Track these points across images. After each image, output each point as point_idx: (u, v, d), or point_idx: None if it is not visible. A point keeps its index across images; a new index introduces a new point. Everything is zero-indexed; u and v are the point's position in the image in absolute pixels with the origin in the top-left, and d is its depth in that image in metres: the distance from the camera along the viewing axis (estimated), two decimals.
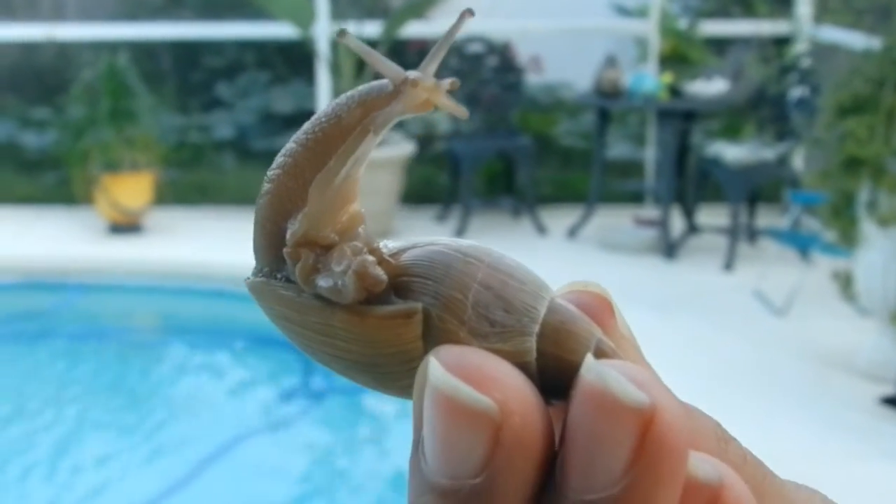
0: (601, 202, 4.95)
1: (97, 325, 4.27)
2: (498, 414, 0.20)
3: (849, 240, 3.30)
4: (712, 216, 4.87)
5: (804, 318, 3.76)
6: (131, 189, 4.78)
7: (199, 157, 5.45)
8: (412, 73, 0.26)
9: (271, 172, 0.27)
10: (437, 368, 0.21)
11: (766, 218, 4.87)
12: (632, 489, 0.20)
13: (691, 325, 3.70)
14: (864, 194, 3.21)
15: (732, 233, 4.48)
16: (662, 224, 4.63)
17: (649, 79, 4.82)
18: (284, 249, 0.25)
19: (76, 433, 3.26)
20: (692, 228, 4.77)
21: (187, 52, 5.74)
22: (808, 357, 3.39)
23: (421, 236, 0.26)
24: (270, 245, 0.26)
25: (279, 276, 0.25)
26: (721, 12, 5.60)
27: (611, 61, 4.86)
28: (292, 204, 0.25)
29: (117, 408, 3.51)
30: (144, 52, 5.51)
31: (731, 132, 5.13)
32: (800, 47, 5.10)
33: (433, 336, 0.23)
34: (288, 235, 0.25)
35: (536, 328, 0.23)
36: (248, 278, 0.26)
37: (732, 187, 4.54)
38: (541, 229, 4.95)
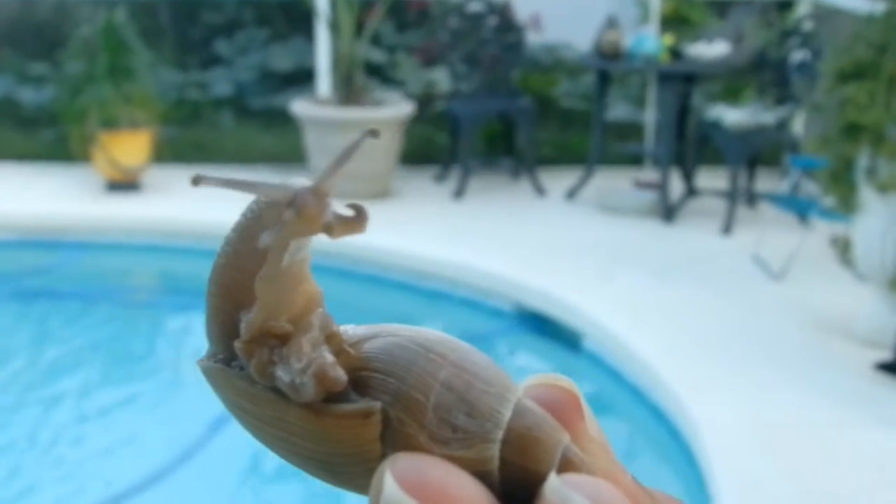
0: (600, 164, 4.94)
1: (94, 284, 4.26)
2: None
3: (847, 205, 3.29)
4: (711, 179, 4.86)
5: (801, 283, 3.75)
6: (129, 147, 4.75)
7: (197, 115, 5.41)
8: (299, 195, 0.23)
9: (217, 261, 0.25)
10: (393, 486, 0.20)
11: (766, 182, 4.86)
12: None
13: (689, 289, 3.69)
14: (863, 160, 3.20)
15: (731, 196, 4.46)
16: (661, 187, 4.62)
17: (650, 40, 4.78)
18: (236, 344, 0.23)
19: (74, 392, 3.25)
20: (691, 191, 4.75)
21: (186, 8, 5.69)
22: (805, 322, 3.39)
23: (386, 325, 0.24)
24: (224, 335, 0.24)
25: (234, 363, 0.24)
26: None
27: (611, 22, 4.82)
28: (242, 295, 0.24)
29: (116, 367, 3.51)
30: (143, 7, 5.46)
31: (732, 95, 5.10)
32: (802, 10, 5.06)
33: (392, 439, 0.22)
34: (242, 329, 0.23)
35: (500, 434, 0.22)
36: (202, 360, 0.25)
37: (732, 151, 4.52)
38: (539, 191, 4.93)
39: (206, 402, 2.61)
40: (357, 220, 0.24)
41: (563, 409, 0.23)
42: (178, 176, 5.03)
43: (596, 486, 0.20)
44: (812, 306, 3.52)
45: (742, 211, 4.56)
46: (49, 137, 5.20)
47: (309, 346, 0.23)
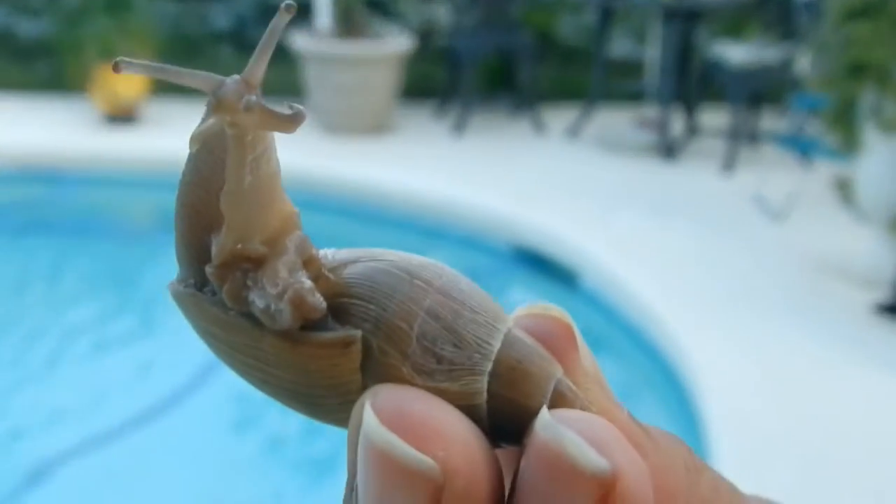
0: (601, 101, 4.91)
1: (91, 218, 4.25)
2: (439, 475, 0.18)
3: (850, 145, 3.28)
4: (713, 118, 4.83)
5: (802, 224, 3.74)
6: (127, 79, 4.71)
7: (195, 48, 5.36)
8: (226, 85, 0.22)
9: (181, 179, 0.24)
10: (372, 419, 0.19)
11: (768, 121, 4.83)
12: None
13: (688, 228, 3.69)
14: (868, 100, 3.18)
15: (733, 136, 4.44)
16: (662, 125, 4.59)
17: None
18: (208, 268, 0.22)
19: (70, 326, 3.26)
20: (692, 130, 4.73)
21: None
22: (804, 263, 3.39)
23: (368, 249, 0.23)
24: (194, 258, 0.23)
25: (206, 289, 0.23)
26: None
27: None
28: (210, 216, 0.22)
29: (112, 303, 3.51)
30: None
31: (735, 32, 5.04)
32: None
33: (373, 370, 0.21)
34: (213, 252, 0.22)
35: (489, 366, 0.21)
36: (172, 284, 0.23)
37: (734, 89, 4.49)
38: (539, 128, 4.90)
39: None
40: (288, 119, 0.22)
41: (555, 340, 0.22)
42: (175, 110, 5.00)
43: (590, 421, 0.19)
44: (812, 247, 3.52)
45: (744, 150, 4.54)
46: (46, 69, 5.16)
47: (285, 270, 0.21)
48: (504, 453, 0.20)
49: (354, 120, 4.73)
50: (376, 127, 4.77)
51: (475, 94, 4.98)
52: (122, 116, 4.74)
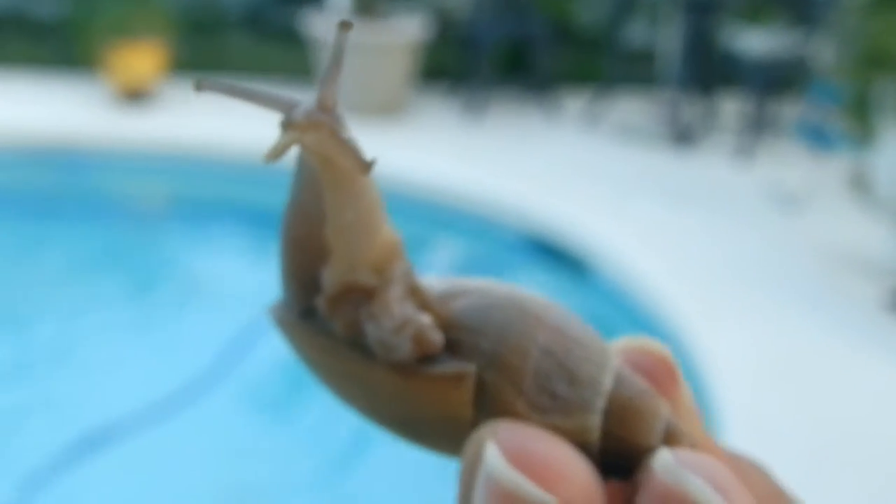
0: (617, 87, 4.89)
1: (105, 201, 4.24)
2: None
3: (869, 137, 3.26)
4: (730, 106, 4.81)
5: (818, 214, 3.73)
6: (142, 60, 4.71)
7: (210, 28, 5.35)
8: (299, 106, 0.22)
9: (284, 212, 0.24)
10: (497, 457, 0.19)
11: (786, 110, 4.81)
12: None
13: (702, 217, 3.68)
14: (888, 91, 3.16)
15: (750, 124, 4.43)
16: (676, 112, 4.58)
17: None
18: (319, 301, 0.22)
19: (82, 310, 3.25)
20: (708, 119, 4.71)
21: None
22: (820, 255, 3.38)
23: (470, 279, 0.23)
24: (300, 287, 0.23)
25: (310, 316, 0.23)
26: None
27: None
28: (316, 248, 0.22)
29: (126, 288, 3.49)
30: None
31: (752, 20, 5.01)
32: None
33: (487, 405, 0.21)
34: (325, 284, 0.22)
35: (602, 404, 0.21)
36: (277, 310, 0.23)
37: (752, 77, 4.47)
38: (554, 114, 4.89)
39: (220, 327, 2.57)
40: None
41: (658, 375, 0.23)
42: (189, 89, 5.00)
43: (710, 466, 0.19)
44: (827, 239, 3.50)
45: (760, 139, 4.53)
46: (60, 47, 5.16)
47: (397, 303, 0.21)
48: (611, 489, 0.21)
49: (367, 103, 4.72)
50: (390, 111, 4.77)
51: (491, 80, 4.97)
52: (137, 96, 4.73)
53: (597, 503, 0.19)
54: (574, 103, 5.02)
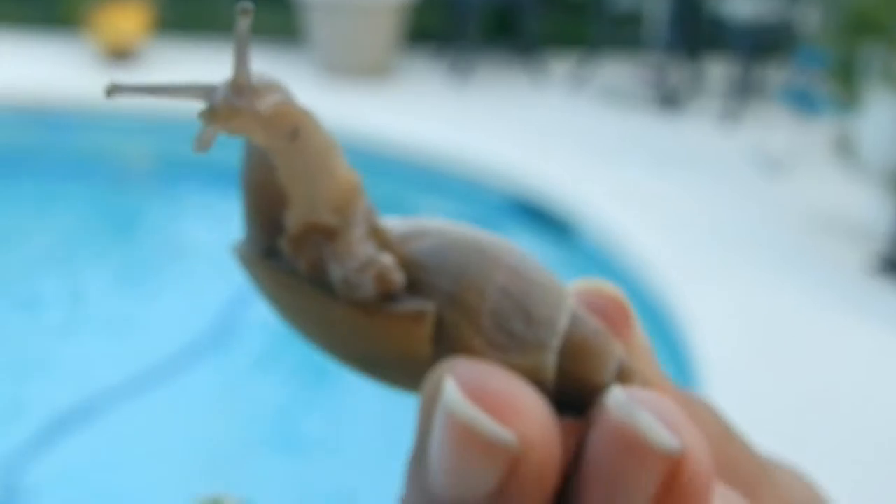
0: (604, 51, 4.88)
1: (88, 162, 4.21)
2: (518, 448, 0.19)
3: (854, 101, 3.26)
4: (716, 69, 4.80)
5: (803, 178, 3.74)
6: (126, 18, 4.66)
7: None
8: (216, 92, 0.21)
9: (242, 160, 0.24)
10: (455, 392, 0.19)
11: (772, 74, 4.80)
12: None
13: (687, 181, 3.68)
14: (870, 55, 3.16)
15: (736, 88, 4.42)
16: (664, 76, 4.57)
17: None
18: (282, 241, 0.22)
19: (68, 276, 3.22)
20: (694, 82, 4.71)
21: None
22: (804, 218, 3.39)
23: (430, 220, 0.23)
24: (263, 228, 0.23)
25: (277, 257, 0.23)
26: None
27: None
28: (275, 191, 0.22)
29: (112, 247, 3.47)
30: None
31: None
32: None
33: (445, 341, 0.21)
34: (287, 225, 0.22)
35: (557, 342, 0.22)
36: (239, 247, 0.23)
37: (738, 41, 4.46)
38: (541, 78, 4.88)
39: (200, 283, 2.53)
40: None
41: (612, 316, 0.23)
42: (177, 49, 4.97)
43: (660, 402, 0.19)
44: (811, 203, 3.51)
45: (746, 104, 4.52)
46: (43, 6, 5.11)
47: (359, 243, 0.22)
48: (564, 425, 0.21)
49: (355, 64, 4.69)
50: (376, 72, 4.74)
51: (478, 43, 4.95)
52: (121, 55, 4.69)
53: (551, 438, 0.19)
54: (560, 66, 5.01)
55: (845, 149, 3.39)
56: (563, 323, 0.22)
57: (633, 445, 0.19)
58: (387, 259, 0.22)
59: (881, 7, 3.08)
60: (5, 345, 2.84)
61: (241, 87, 0.21)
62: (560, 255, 3.50)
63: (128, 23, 4.65)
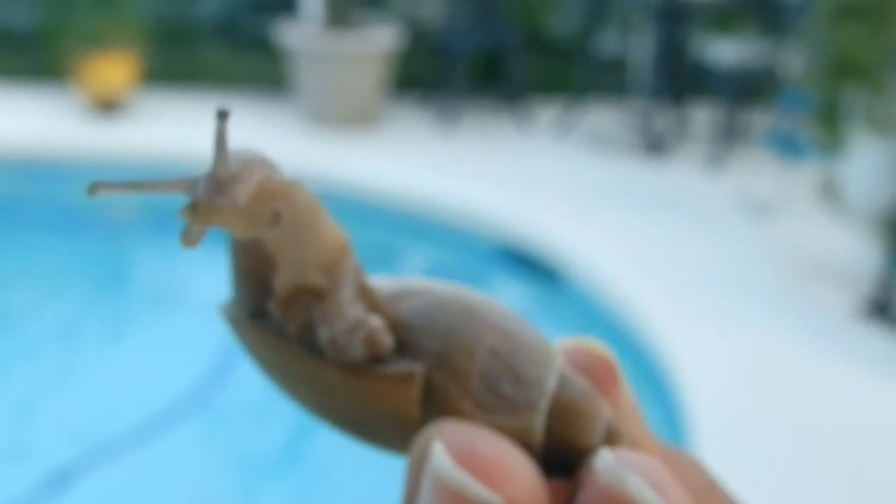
0: (589, 97, 4.91)
1: (77, 213, 4.20)
2: None
3: (839, 145, 3.28)
4: (701, 115, 4.84)
5: (788, 222, 3.75)
6: (115, 70, 4.68)
7: (182, 38, 5.33)
8: (198, 187, 0.21)
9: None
10: (443, 456, 0.19)
11: (756, 119, 4.84)
12: None
13: (673, 225, 3.69)
14: (857, 99, 3.18)
15: (720, 133, 4.45)
16: (650, 121, 4.60)
17: None
18: (271, 303, 0.22)
19: (58, 325, 3.20)
20: (680, 127, 4.74)
21: None
22: (790, 262, 3.40)
23: (416, 279, 0.23)
24: (252, 288, 0.23)
25: (264, 317, 0.23)
26: None
27: None
28: (262, 257, 0.22)
29: (98, 297, 3.46)
30: None
31: (723, 29, 5.04)
32: None
33: (434, 403, 0.21)
34: (276, 286, 0.22)
35: (546, 404, 0.22)
36: (227, 308, 0.23)
37: (722, 87, 4.49)
38: (527, 123, 4.91)
39: (188, 331, 2.53)
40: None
41: (600, 375, 0.23)
42: (164, 99, 4.98)
43: (648, 465, 0.20)
44: (796, 246, 3.53)
45: (731, 148, 4.55)
46: (32, 57, 5.12)
47: (348, 304, 0.22)
48: (553, 487, 0.21)
49: (341, 112, 4.71)
50: (363, 120, 4.76)
51: (465, 89, 4.98)
52: (109, 106, 4.71)
53: (540, 502, 0.19)
54: (546, 113, 5.04)
55: (830, 192, 3.41)
56: (551, 384, 0.22)
57: None
58: (376, 321, 0.21)
59: (864, 50, 3.11)
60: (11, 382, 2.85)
61: (221, 181, 0.21)
62: (548, 302, 3.50)
63: (115, 74, 4.67)
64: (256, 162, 0.22)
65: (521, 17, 5.25)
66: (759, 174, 4.09)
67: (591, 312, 3.18)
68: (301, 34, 4.71)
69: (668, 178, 4.30)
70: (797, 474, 2.23)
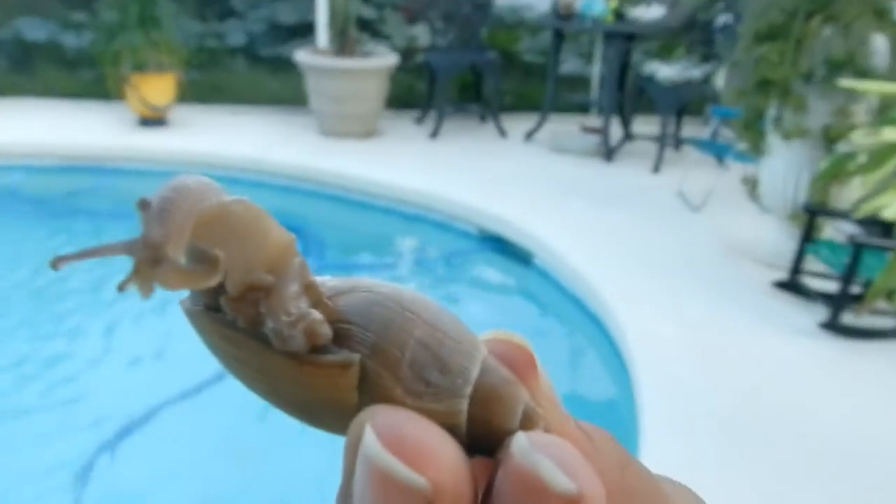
0: (553, 111, 4.90)
1: (126, 206, 4.20)
2: (431, 492, 0.18)
3: (757, 149, 3.29)
4: (645, 126, 4.84)
5: (716, 213, 3.77)
6: (158, 88, 4.67)
7: (214, 61, 5.31)
8: (133, 250, 0.20)
9: None
10: (373, 440, 0.18)
11: (690, 128, 4.84)
12: None
13: (623, 217, 3.70)
14: (772, 111, 3.19)
15: (661, 141, 4.45)
16: (603, 131, 4.60)
17: (598, 4, 4.69)
18: (222, 300, 0.21)
19: (107, 297, 3.18)
20: (628, 136, 4.74)
21: None
22: (718, 247, 3.42)
23: (360, 279, 0.22)
24: (208, 291, 0.22)
25: (218, 311, 0.21)
26: None
27: None
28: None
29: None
30: None
31: (665, 53, 5.05)
32: None
33: (368, 389, 0.20)
34: (227, 286, 0.21)
35: (469, 390, 0.20)
36: (186, 302, 0.22)
37: (663, 101, 4.49)
38: (502, 133, 4.90)
39: None
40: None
41: (519, 365, 0.22)
42: (198, 113, 4.97)
43: (559, 447, 0.18)
44: (723, 233, 3.54)
45: (670, 153, 4.55)
46: (88, 77, 5.10)
47: (292, 299, 0.20)
48: (474, 462, 0.20)
49: (347, 124, 4.71)
50: (366, 131, 4.76)
51: (449, 104, 4.97)
52: (153, 119, 4.69)
53: (463, 483, 0.18)
54: (519, 123, 5.04)
55: (751, 189, 3.42)
56: (475, 372, 0.21)
57: (535, 488, 0.18)
58: (316, 315, 0.20)
59: (776, 71, 3.12)
60: (55, 366, 2.79)
61: (153, 245, 0.20)
62: (522, 279, 3.51)
63: (158, 93, 4.66)
64: (187, 198, 0.20)
65: (496, 43, 5.25)
66: (693, 174, 4.10)
67: (557, 287, 3.19)
68: (314, 59, 4.69)
69: (618, 177, 4.30)
70: (722, 415, 2.26)
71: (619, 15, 4.65)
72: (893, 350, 2.69)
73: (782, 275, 3.07)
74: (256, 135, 4.60)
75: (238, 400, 2.66)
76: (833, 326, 2.76)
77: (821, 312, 2.84)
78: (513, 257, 3.54)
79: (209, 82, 5.20)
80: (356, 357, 0.20)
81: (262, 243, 0.21)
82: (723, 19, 4.57)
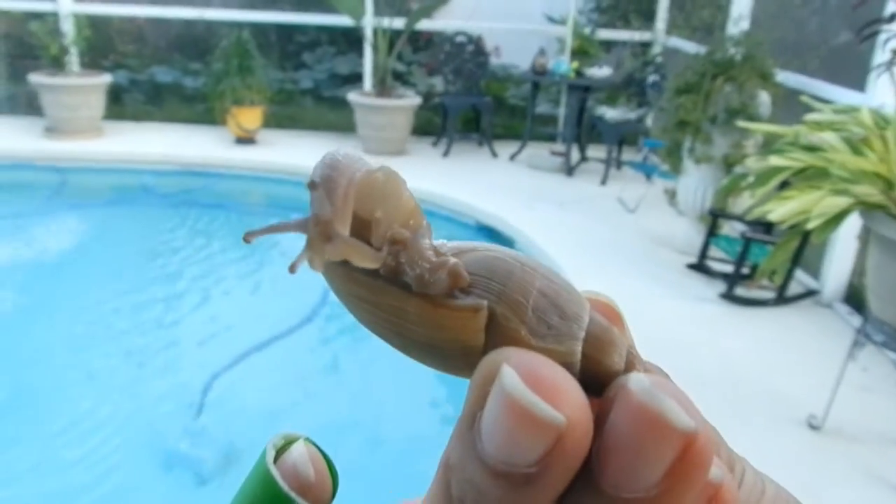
0: (530, 140, 4.88)
1: (227, 201, 4.19)
2: (565, 427, 0.14)
3: (676, 170, 3.28)
4: (595, 151, 4.81)
5: (646, 215, 3.75)
6: (250, 117, 4.65)
7: (290, 99, 5.29)
8: (308, 226, 0.17)
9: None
10: (514, 377, 0.15)
11: (628, 154, 4.82)
12: (667, 492, 0.15)
13: (579, 216, 3.69)
14: (687, 143, 3.17)
15: (607, 162, 4.43)
16: (566, 155, 4.58)
17: (564, 64, 4.67)
18: (378, 251, 0.17)
19: (212, 275, 3.12)
20: (583, 158, 4.71)
21: (286, 30, 5.48)
22: (646, 239, 3.40)
23: (477, 242, 0.18)
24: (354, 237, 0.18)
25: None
26: (611, 24, 5.39)
27: (542, 52, 4.70)
28: (361, 220, 0.18)
29: (244, 258, 3.34)
30: (259, 29, 5.27)
31: (611, 100, 5.01)
32: (656, 49, 4.95)
33: (495, 332, 0.17)
34: (373, 239, 0.18)
35: (583, 334, 0.17)
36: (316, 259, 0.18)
37: (609, 135, 4.47)
38: (494, 154, 4.87)
39: (308, 289, 2.24)
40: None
41: (611, 317, 0.19)
42: (279, 136, 4.95)
43: (673, 387, 0.15)
44: (651, 229, 3.53)
45: (613, 171, 4.53)
46: (200, 108, 5.09)
47: (428, 250, 0.18)
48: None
49: (384, 146, 4.69)
50: (397, 151, 4.74)
51: (456, 133, 4.94)
52: (246, 139, 4.67)
53: (588, 417, 0.15)
54: (505, 148, 5.01)
55: (671, 198, 3.40)
56: (585, 319, 0.18)
57: (657, 424, 0.14)
58: (456, 259, 0.17)
59: (693, 115, 3.10)
60: (191, 316, 2.75)
61: (324, 221, 0.17)
62: None
63: (250, 120, 4.64)
64: (344, 174, 0.17)
65: (491, 91, 5.21)
66: (629, 187, 4.07)
67: None
68: (361, 99, 4.66)
69: (575, 188, 4.28)
70: (642, 353, 2.23)
71: (578, 73, 4.62)
72: (770, 314, 2.67)
73: (693, 259, 3.06)
74: (320, 152, 4.55)
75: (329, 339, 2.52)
76: (729, 297, 2.75)
77: (720, 286, 2.83)
78: (500, 243, 3.50)
79: (286, 114, 5.17)
80: (485, 302, 0.17)
81: (398, 203, 0.18)
82: (652, 78, 4.54)
